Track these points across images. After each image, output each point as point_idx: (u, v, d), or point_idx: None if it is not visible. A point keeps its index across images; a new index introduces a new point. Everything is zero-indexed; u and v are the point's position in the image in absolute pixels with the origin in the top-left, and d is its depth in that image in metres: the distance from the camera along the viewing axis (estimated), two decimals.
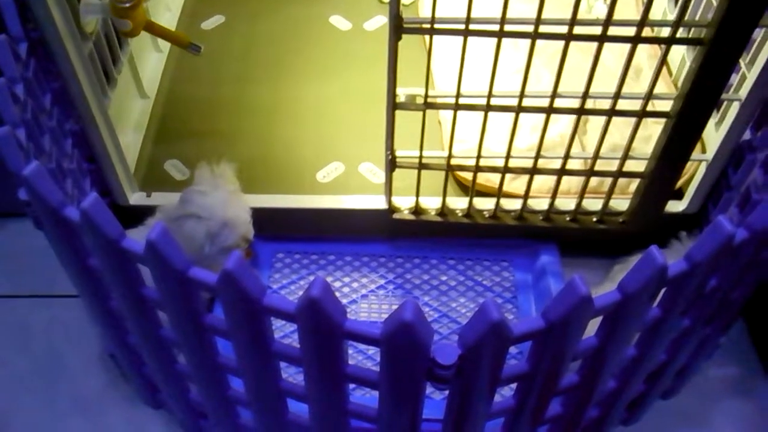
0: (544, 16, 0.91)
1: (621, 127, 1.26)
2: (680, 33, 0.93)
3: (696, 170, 1.20)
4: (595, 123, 1.34)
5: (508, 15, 0.91)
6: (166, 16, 1.56)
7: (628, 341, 0.80)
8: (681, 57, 1.34)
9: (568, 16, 0.91)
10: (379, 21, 1.61)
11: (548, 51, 1.36)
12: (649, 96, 1.00)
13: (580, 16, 0.91)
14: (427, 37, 1.30)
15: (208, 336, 0.80)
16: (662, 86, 1.33)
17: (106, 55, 1.19)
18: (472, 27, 0.92)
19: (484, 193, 1.26)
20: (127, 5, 1.06)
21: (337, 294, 1.24)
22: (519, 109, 1.02)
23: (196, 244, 1.08)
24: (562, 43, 0.93)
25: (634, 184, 1.17)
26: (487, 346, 0.66)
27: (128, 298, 0.81)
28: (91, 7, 1.07)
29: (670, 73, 1.39)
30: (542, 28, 0.92)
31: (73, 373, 1.17)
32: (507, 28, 0.92)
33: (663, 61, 0.96)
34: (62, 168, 1.02)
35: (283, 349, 0.76)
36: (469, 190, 1.19)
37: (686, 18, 0.91)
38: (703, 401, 1.17)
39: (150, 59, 1.47)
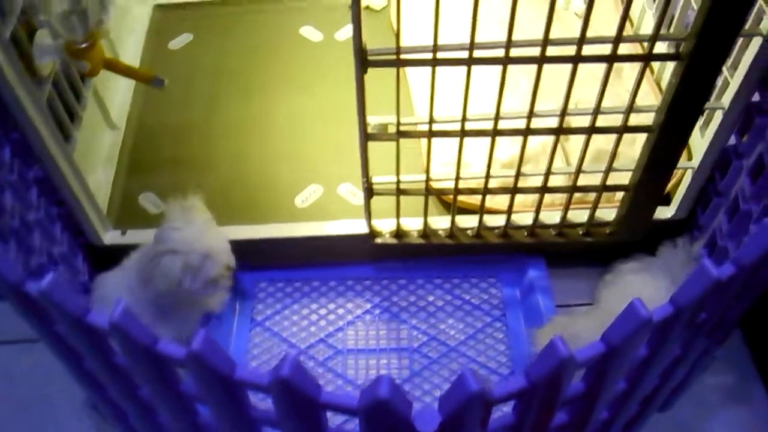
0: (516, 36, 0.87)
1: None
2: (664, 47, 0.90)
3: (683, 176, 1.17)
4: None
5: (481, 38, 0.87)
6: (131, 39, 1.51)
7: (617, 382, 0.77)
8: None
9: (542, 31, 0.87)
10: (350, 31, 1.55)
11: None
12: (630, 110, 0.97)
13: (558, 14, 0.87)
14: None
15: (184, 401, 0.77)
16: (645, 88, 1.30)
17: (67, 94, 1.15)
18: (440, 56, 0.89)
19: (467, 211, 1.23)
20: (83, 46, 1.02)
21: (323, 322, 1.22)
22: (495, 133, 0.99)
23: (174, 280, 1.05)
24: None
25: (621, 192, 1.14)
26: (467, 413, 0.63)
27: (101, 365, 0.78)
28: (45, 50, 1.03)
29: (652, 71, 1.35)
30: (513, 51, 0.89)
31: (59, 419, 1.15)
32: (477, 53, 0.89)
33: (641, 78, 0.92)
34: (27, 222, 0.99)
35: (263, 416, 0.73)
36: (450, 208, 1.16)
37: (667, 31, 0.88)
38: (700, 411, 1.15)
39: (117, 87, 1.43)
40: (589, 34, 0.87)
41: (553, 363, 0.64)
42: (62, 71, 1.13)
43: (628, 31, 1.34)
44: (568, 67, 0.91)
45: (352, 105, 1.38)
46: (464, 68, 0.90)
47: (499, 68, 0.90)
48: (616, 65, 0.92)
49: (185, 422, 0.82)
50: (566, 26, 1.44)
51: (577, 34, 0.87)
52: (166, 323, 1.10)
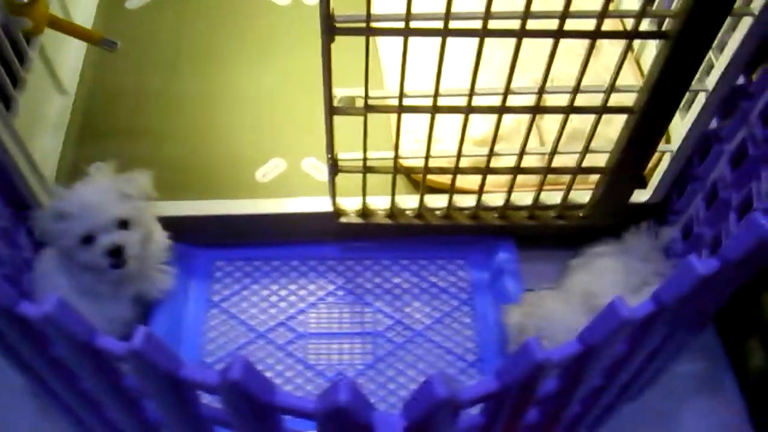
0: (495, 7, 0.81)
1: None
2: (647, 24, 0.85)
3: (660, 159, 1.13)
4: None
5: (457, 8, 0.81)
6: None
7: (593, 379, 0.73)
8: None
9: (520, 6, 0.81)
10: None
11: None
12: (611, 90, 0.92)
13: None
14: None
15: (129, 397, 0.71)
16: (625, 67, 1.25)
17: (8, 54, 1.06)
18: (413, 25, 0.82)
19: (436, 189, 1.17)
20: (25, 1, 0.93)
21: (283, 303, 1.16)
22: (468, 110, 0.93)
23: (59, 244, 1.00)
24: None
25: (596, 175, 1.09)
26: (434, 418, 0.58)
27: (36, 359, 0.72)
28: None
29: (632, 50, 1.30)
30: (492, 24, 0.83)
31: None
32: (453, 25, 0.83)
33: (625, 56, 0.87)
34: None
35: (214, 415, 0.67)
36: (420, 187, 1.10)
37: (652, 7, 0.82)
38: (671, 399, 1.13)
39: (69, 49, 1.33)
40: (571, 8, 0.81)
41: (527, 366, 0.59)
42: (2, 28, 1.04)
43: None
44: (546, 41, 0.85)
45: (319, 75, 1.32)
46: (438, 40, 0.84)
47: (474, 41, 0.84)
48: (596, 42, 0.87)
49: (133, 418, 0.76)
50: None
51: (557, 7, 0.81)
52: (102, 306, 1.04)
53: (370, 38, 0.84)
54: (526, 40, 0.84)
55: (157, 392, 0.65)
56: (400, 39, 0.85)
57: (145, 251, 1.04)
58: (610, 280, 1.09)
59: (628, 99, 0.95)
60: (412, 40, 0.85)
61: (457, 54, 1.04)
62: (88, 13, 1.41)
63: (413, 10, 0.81)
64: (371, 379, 1.10)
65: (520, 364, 0.59)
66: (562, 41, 0.85)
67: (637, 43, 1.29)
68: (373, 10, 0.81)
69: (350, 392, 0.55)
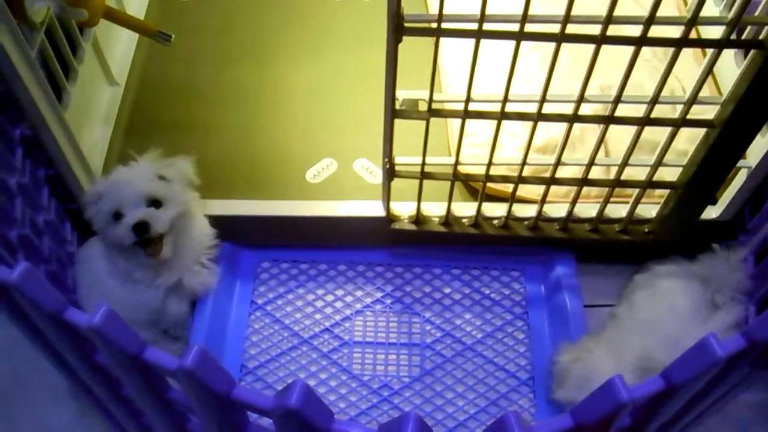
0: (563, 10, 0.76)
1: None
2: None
3: (735, 174, 1.06)
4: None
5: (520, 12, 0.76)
6: None
7: (666, 416, 0.68)
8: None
9: (596, 12, 0.76)
10: None
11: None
12: (692, 102, 0.86)
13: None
14: None
15: (173, 409, 0.68)
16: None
17: (62, 45, 1.04)
18: (486, 27, 0.77)
19: (494, 197, 1.12)
20: None
21: (328, 309, 1.13)
22: (539, 118, 0.88)
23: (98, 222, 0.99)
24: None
25: (664, 189, 1.03)
26: None
27: (80, 364, 0.69)
28: None
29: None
30: (570, 28, 0.77)
31: (38, 408, 1.05)
32: (528, 28, 0.77)
33: (712, 67, 0.81)
34: (7, 187, 0.88)
35: None
36: (478, 196, 1.05)
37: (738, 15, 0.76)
38: (734, 427, 1.06)
39: (119, 40, 1.31)
40: (640, 13, 0.76)
41: (609, 405, 0.54)
42: (57, 19, 1.01)
43: (683, 12, 1.22)
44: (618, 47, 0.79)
45: (374, 73, 1.26)
46: (498, 44, 0.79)
47: (538, 51, 0.79)
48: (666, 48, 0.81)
49: (175, 428, 0.72)
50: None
51: (625, 11, 0.76)
52: (137, 293, 1.02)
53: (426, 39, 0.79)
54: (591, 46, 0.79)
55: (205, 409, 0.61)
56: (462, 40, 0.80)
57: (183, 239, 1.02)
58: (674, 305, 1.03)
59: (704, 111, 0.89)
60: (471, 43, 0.79)
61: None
62: (141, 3, 1.38)
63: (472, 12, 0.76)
64: (418, 393, 1.05)
65: (601, 403, 0.54)
66: (627, 48, 0.79)
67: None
68: (431, 10, 0.76)
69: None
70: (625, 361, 0.92)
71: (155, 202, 0.97)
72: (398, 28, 0.77)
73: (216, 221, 1.12)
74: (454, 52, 1.25)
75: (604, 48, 0.80)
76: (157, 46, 1.14)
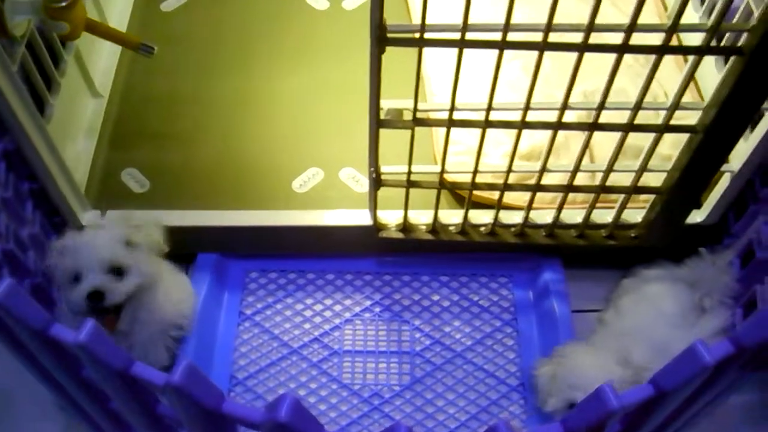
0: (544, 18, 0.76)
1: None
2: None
3: (718, 179, 1.07)
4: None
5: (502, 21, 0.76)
6: None
7: (655, 422, 0.68)
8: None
9: (576, 19, 0.76)
10: None
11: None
12: (675, 108, 0.87)
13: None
14: None
15: (162, 424, 0.67)
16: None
17: (44, 58, 1.03)
18: (469, 36, 0.78)
19: (480, 205, 1.12)
20: (63, 4, 0.90)
21: (318, 319, 1.12)
22: (523, 126, 0.88)
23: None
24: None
25: (649, 194, 1.04)
26: None
27: (67, 379, 0.68)
28: (18, 7, 0.91)
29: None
30: (552, 36, 0.78)
31: (23, 421, 1.04)
32: (510, 37, 0.78)
33: (693, 73, 0.82)
34: None
35: None
36: (465, 203, 1.05)
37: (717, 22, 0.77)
38: (724, 429, 1.07)
39: (102, 51, 1.30)
40: (622, 20, 0.76)
41: (599, 413, 0.54)
42: (39, 31, 1.01)
43: (663, 19, 1.23)
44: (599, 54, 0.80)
45: (358, 82, 1.26)
46: (482, 53, 0.79)
47: (520, 59, 0.79)
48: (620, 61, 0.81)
49: None
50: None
51: (607, 18, 0.76)
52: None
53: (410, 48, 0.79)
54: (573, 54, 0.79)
55: (195, 424, 0.61)
56: (446, 50, 0.80)
57: (143, 312, 0.96)
58: (661, 309, 1.04)
59: (687, 116, 0.90)
60: (454, 52, 0.80)
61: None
62: (123, 14, 1.37)
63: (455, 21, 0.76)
64: (408, 401, 1.05)
65: (590, 411, 0.54)
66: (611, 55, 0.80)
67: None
68: (414, 20, 0.77)
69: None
70: (608, 361, 0.93)
71: (116, 270, 0.92)
72: (381, 39, 0.77)
73: (202, 232, 1.12)
74: (438, 59, 1.25)
75: (587, 54, 0.80)
76: (140, 57, 1.14)
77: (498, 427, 0.50)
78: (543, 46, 0.78)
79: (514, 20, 0.76)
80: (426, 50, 1.26)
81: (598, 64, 0.88)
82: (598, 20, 0.76)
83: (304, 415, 0.52)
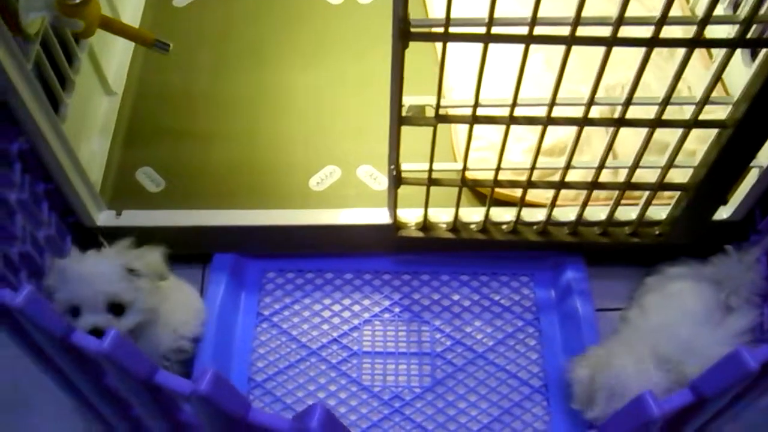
0: (557, 10, 0.74)
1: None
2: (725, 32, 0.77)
3: (746, 174, 1.04)
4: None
5: (524, 14, 0.74)
6: None
7: (693, 429, 0.66)
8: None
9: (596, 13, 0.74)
10: None
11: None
12: (704, 103, 0.84)
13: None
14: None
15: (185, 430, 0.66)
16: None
17: (58, 56, 1.02)
18: (495, 31, 0.75)
19: (502, 202, 1.10)
20: (77, 1, 0.89)
21: (336, 319, 1.11)
22: (548, 122, 0.86)
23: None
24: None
25: (675, 191, 1.01)
26: None
27: (89, 386, 0.67)
28: (33, 4, 0.90)
29: (710, 55, 1.21)
30: (580, 30, 0.76)
31: (42, 426, 1.03)
32: (537, 30, 0.76)
33: (723, 69, 0.80)
34: (7, 203, 0.86)
35: None
36: (486, 200, 1.03)
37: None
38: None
39: (115, 48, 1.28)
40: (643, 12, 0.74)
41: (639, 421, 0.52)
42: (53, 29, 0.99)
43: (686, 11, 1.21)
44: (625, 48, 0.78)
45: (374, 77, 1.25)
46: (502, 49, 0.77)
47: (542, 52, 0.77)
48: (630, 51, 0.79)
49: None
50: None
51: (637, 12, 0.74)
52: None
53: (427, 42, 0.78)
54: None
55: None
56: (464, 43, 0.78)
57: (141, 341, 0.93)
58: (686, 308, 1.01)
59: (713, 110, 0.88)
60: (473, 45, 0.78)
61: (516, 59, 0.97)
62: (134, 9, 1.36)
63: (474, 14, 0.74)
64: (429, 403, 1.03)
65: (631, 419, 0.53)
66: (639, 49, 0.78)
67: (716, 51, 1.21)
68: (430, 14, 0.75)
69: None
70: (648, 364, 0.90)
71: (117, 307, 0.89)
72: (405, 33, 0.75)
73: (218, 232, 1.10)
74: (455, 53, 1.23)
75: (615, 49, 0.78)
76: (153, 54, 1.12)
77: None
78: (570, 41, 0.76)
79: (539, 14, 0.74)
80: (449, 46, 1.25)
81: (618, 58, 0.85)
82: (617, 12, 0.74)
83: (335, 425, 0.51)
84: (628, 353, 0.91)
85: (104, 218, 1.08)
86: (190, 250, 1.13)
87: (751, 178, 1.02)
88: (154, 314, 0.93)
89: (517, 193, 1.02)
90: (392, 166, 0.96)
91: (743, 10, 0.76)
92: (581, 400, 0.94)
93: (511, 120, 0.86)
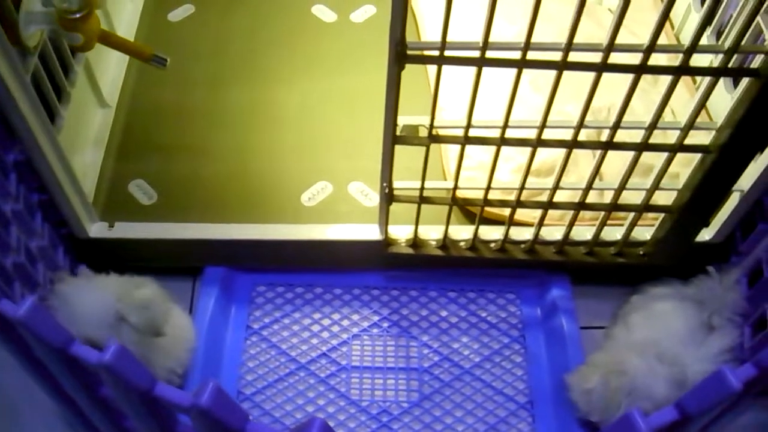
0: (549, 34, 0.77)
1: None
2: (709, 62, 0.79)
3: (727, 197, 1.07)
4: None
5: (516, 39, 0.76)
6: (127, 8, 1.38)
7: None
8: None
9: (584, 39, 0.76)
10: (368, 11, 1.43)
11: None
12: (689, 128, 0.87)
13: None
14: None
15: None
16: (688, 99, 1.20)
17: (55, 69, 1.02)
18: (488, 55, 0.78)
19: (490, 221, 1.12)
20: (78, 16, 0.90)
21: (325, 334, 1.12)
22: (538, 144, 0.88)
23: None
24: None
25: (659, 213, 1.04)
26: None
27: (84, 397, 0.68)
28: (33, 17, 0.91)
29: (694, 81, 1.25)
30: (571, 56, 0.78)
31: (27, 428, 1.03)
32: (530, 55, 0.78)
33: (708, 96, 0.82)
34: (2, 214, 0.87)
35: None
36: (475, 219, 1.05)
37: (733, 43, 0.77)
38: None
39: (109, 61, 1.29)
40: (630, 40, 0.77)
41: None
42: (50, 42, 1.00)
43: (671, 38, 1.24)
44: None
45: (366, 95, 1.28)
46: (492, 71, 0.79)
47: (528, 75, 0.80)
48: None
49: None
50: (599, 25, 1.33)
51: (624, 39, 0.76)
52: None
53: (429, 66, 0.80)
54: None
55: None
56: (460, 67, 0.81)
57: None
58: (670, 327, 1.04)
59: (697, 135, 0.90)
60: (462, 69, 0.80)
61: (504, 82, 0.99)
62: (129, 23, 1.37)
63: (465, 38, 0.76)
64: (417, 418, 1.04)
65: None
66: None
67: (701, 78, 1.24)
68: (424, 38, 0.77)
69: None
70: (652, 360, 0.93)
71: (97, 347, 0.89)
72: (401, 56, 0.77)
73: (209, 245, 1.11)
74: (446, 73, 1.25)
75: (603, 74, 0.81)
76: (147, 68, 1.13)
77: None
78: (562, 66, 0.78)
79: (536, 39, 0.76)
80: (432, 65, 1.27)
81: (605, 82, 0.88)
82: (606, 39, 0.76)
83: None
84: (635, 355, 0.94)
85: (96, 230, 1.09)
86: (180, 263, 1.14)
87: (732, 202, 1.05)
88: (144, 357, 0.91)
89: (506, 212, 1.04)
90: (385, 184, 0.97)
91: (727, 40, 0.79)
92: (597, 409, 0.96)
93: (503, 141, 0.88)
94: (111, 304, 0.88)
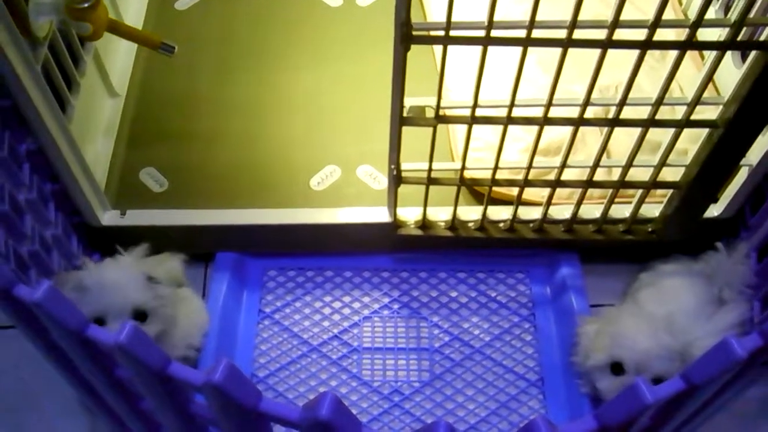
0: (553, 12, 0.77)
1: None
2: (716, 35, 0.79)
3: (736, 172, 1.07)
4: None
5: (522, 17, 0.76)
6: None
7: (683, 416, 0.68)
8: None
9: (589, 16, 0.76)
10: None
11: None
12: (696, 103, 0.87)
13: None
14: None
15: (196, 424, 0.68)
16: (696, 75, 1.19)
17: (65, 58, 1.03)
18: (494, 34, 0.78)
19: (499, 201, 1.13)
20: (86, 5, 0.91)
21: (336, 316, 1.13)
22: (545, 122, 0.88)
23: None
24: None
25: (667, 189, 1.04)
26: None
27: (100, 379, 0.69)
28: (42, 8, 0.92)
29: (702, 57, 1.24)
30: (576, 33, 0.78)
31: (48, 420, 1.05)
32: (536, 33, 0.78)
33: (714, 70, 0.82)
34: (17, 204, 0.88)
35: None
36: (484, 200, 1.06)
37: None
38: (742, 422, 1.07)
39: (119, 51, 1.30)
40: (636, 15, 0.77)
41: (633, 407, 0.55)
42: (60, 32, 1.01)
43: (678, 13, 1.23)
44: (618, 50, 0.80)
45: (373, 79, 1.28)
46: (498, 50, 0.80)
47: (535, 54, 0.80)
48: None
49: None
50: (605, 3, 1.32)
51: (631, 14, 0.76)
52: None
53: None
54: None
55: (230, 422, 0.61)
56: (466, 47, 0.81)
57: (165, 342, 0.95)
58: (681, 302, 1.04)
59: (704, 110, 0.90)
60: (468, 47, 0.80)
61: (510, 61, 0.99)
62: (137, 12, 1.38)
63: (471, 18, 0.76)
64: (428, 397, 1.06)
65: (625, 405, 0.55)
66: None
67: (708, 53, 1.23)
68: (429, 17, 0.77)
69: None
70: (657, 327, 0.94)
71: (140, 314, 0.91)
72: (407, 37, 0.77)
73: (220, 231, 1.12)
74: (452, 54, 1.25)
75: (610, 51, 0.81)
76: (156, 57, 1.14)
77: (536, 423, 0.51)
78: (567, 44, 0.78)
79: (540, 17, 0.76)
80: (438, 45, 1.27)
81: (611, 59, 0.88)
82: (612, 16, 0.76)
83: (345, 413, 0.53)
84: (640, 316, 0.95)
85: (109, 218, 1.10)
86: (192, 249, 1.15)
87: (740, 177, 1.05)
88: (173, 322, 0.95)
89: (514, 191, 1.04)
90: (393, 166, 0.98)
91: (734, 13, 0.78)
92: (584, 351, 0.97)
93: (509, 120, 0.88)
94: (134, 270, 0.92)
